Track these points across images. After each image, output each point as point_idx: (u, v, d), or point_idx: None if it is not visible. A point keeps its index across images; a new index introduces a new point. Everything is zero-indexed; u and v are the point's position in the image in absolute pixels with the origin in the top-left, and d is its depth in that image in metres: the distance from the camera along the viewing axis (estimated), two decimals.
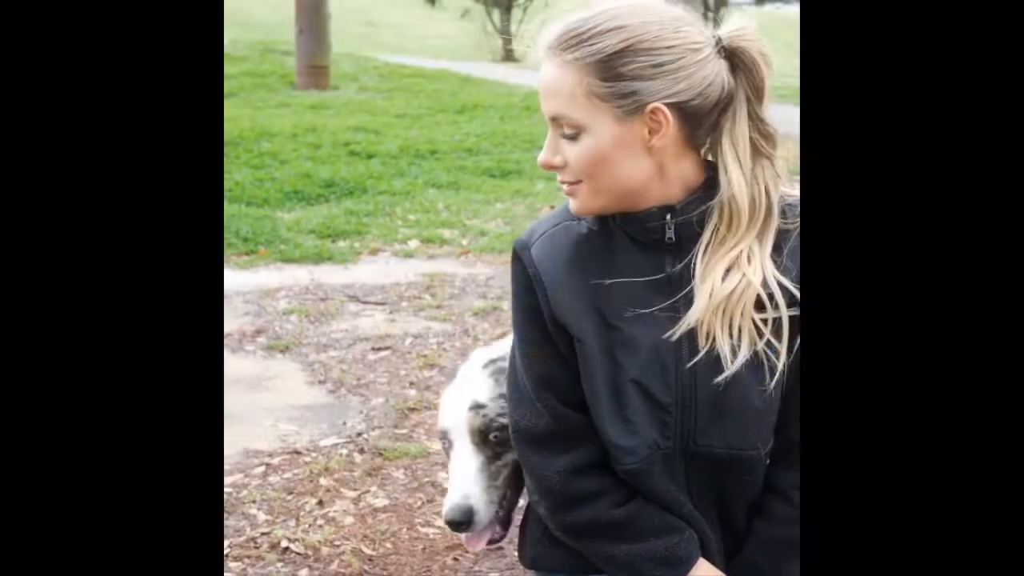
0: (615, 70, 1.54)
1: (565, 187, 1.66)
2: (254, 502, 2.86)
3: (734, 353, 1.60)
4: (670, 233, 1.64)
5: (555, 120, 1.61)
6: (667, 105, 1.54)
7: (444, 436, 1.92)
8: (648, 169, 1.60)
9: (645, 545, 1.68)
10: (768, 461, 1.72)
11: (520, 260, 1.72)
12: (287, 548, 2.62)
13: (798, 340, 1.60)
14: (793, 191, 1.69)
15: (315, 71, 12.33)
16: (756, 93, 1.61)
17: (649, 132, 1.57)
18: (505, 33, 28.85)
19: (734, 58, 1.59)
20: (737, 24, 1.61)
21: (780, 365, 1.61)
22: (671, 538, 1.68)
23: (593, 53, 1.54)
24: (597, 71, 1.54)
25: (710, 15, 1.77)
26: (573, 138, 1.59)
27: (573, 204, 1.68)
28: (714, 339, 1.60)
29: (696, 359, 1.62)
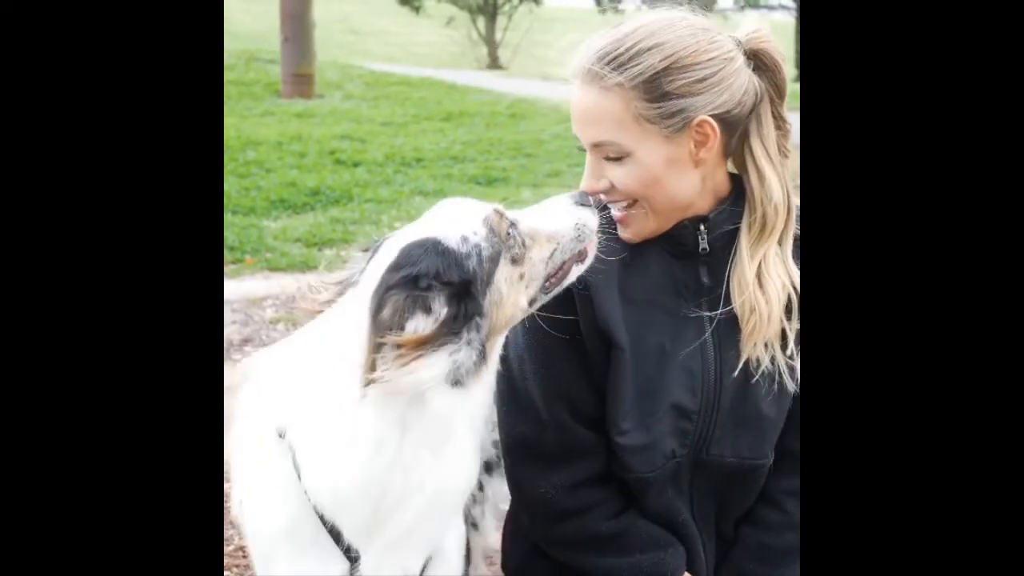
0: (661, 90, 1.51)
1: (617, 213, 1.62)
2: None
3: (772, 362, 1.60)
4: (704, 243, 1.62)
5: (598, 146, 1.58)
6: (712, 117, 1.53)
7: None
8: (696, 183, 1.59)
9: (631, 559, 1.67)
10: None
11: None
12: None
13: None
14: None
15: (300, 79, 12.31)
16: (779, 93, 1.60)
17: (695, 145, 1.55)
18: (490, 41, 28.94)
19: (757, 60, 1.58)
20: (753, 26, 1.59)
21: (797, 373, 1.60)
22: (657, 553, 1.67)
23: (636, 75, 1.51)
24: (643, 93, 1.52)
25: None
26: (618, 160, 1.56)
27: (627, 231, 1.64)
28: (749, 349, 1.60)
29: (735, 372, 1.60)
